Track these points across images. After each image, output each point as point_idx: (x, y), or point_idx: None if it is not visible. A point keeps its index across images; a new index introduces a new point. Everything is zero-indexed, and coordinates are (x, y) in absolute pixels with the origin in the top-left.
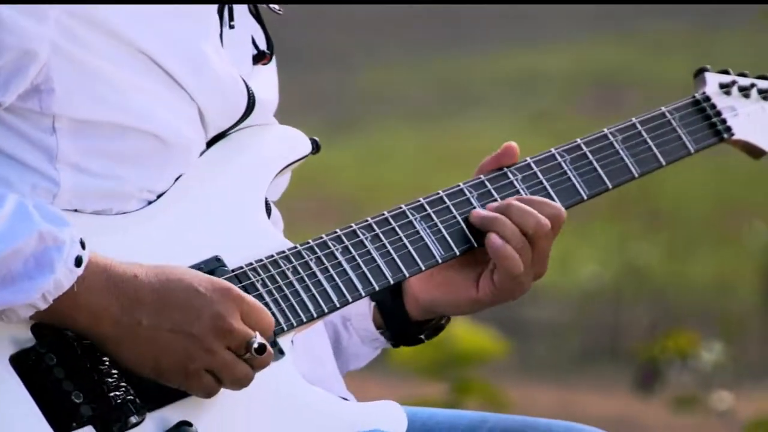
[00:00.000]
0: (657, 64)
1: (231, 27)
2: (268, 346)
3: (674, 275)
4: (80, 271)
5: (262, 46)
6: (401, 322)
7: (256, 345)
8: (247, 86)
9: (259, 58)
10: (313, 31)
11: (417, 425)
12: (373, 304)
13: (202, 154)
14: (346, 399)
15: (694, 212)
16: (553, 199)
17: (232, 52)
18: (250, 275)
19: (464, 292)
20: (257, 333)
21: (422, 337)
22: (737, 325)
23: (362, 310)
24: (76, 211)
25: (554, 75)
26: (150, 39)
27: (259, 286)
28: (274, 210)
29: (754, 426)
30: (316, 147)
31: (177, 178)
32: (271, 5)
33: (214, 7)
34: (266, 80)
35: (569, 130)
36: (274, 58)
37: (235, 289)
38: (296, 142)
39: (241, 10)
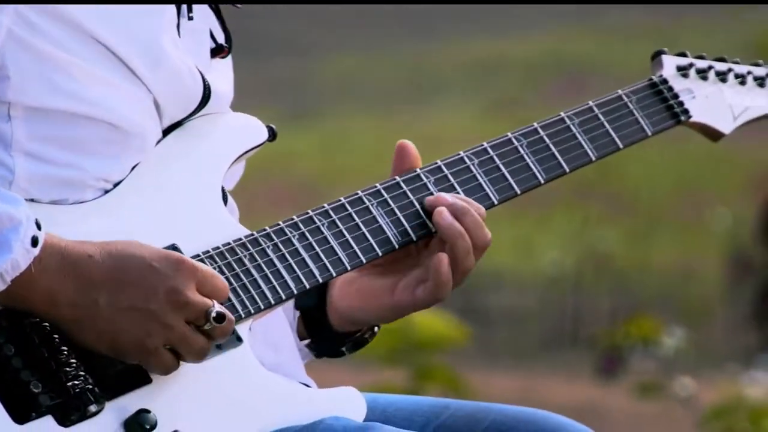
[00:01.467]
0: (621, 52)
1: (190, 18)
2: (227, 313)
3: (636, 260)
4: (36, 251)
5: (221, 39)
6: (324, 333)
7: (214, 314)
8: (203, 77)
9: (217, 51)
10: (274, 19)
11: (377, 412)
12: (297, 314)
13: (158, 143)
14: (306, 385)
15: (656, 196)
16: (511, 185)
17: (189, 45)
18: (207, 263)
19: (382, 299)
20: (214, 302)
21: (343, 350)
22: (700, 311)
23: (289, 321)
24: (32, 201)
25: (518, 62)
26: (106, 28)
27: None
28: (230, 199)
29: (715, 413)
30: (272, 134)
31: (133, 168)
32: None
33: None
34: (223, 73)
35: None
36: (231, 53)
37: (188, 260)
38: (252, 130)
39: (199, 5)
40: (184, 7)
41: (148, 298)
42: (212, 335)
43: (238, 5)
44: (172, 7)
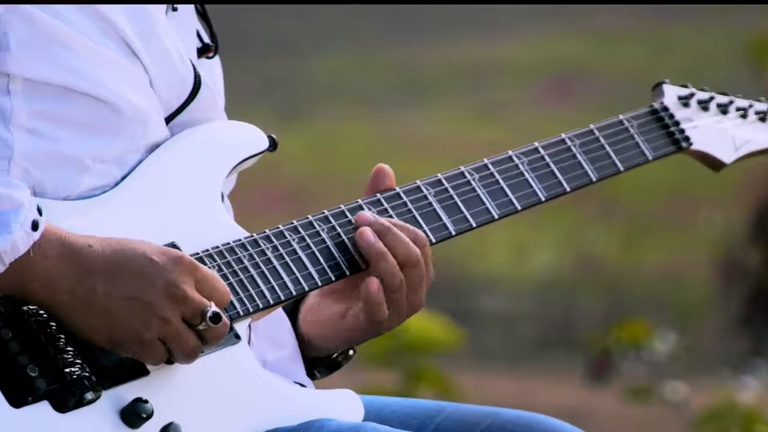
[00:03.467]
0: (609, 55)
1: (174, 9)
2: (224, 316)
3: (628, 265)
4: (36, 235)
5: (207, 39)
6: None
7: (210, 313)
8: (192, 65)
9: (204, 51)
10: (265, 19)
11: (372, 414)
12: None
13: (160, 144)
14: (303, 385)
15: (647, 201)
16: (511, 200)
17: (178, 33)
18: (207, 261)
19: (336, 326)
20: (212, 302)
21: (316, 373)
22: (691, 315)
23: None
24: (33, 193)
25: (507, 65)
26: (108, 6)
27: (215, 272)
28: (226, 201)
29: (707, 417)
30: (273, 144)
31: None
32: None
33: None
34: (211, 73)
35: (521, 120)
36: (218, 58)
37: (188, 257)
38: (253, 138)
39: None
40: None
41: (146, 289)
42: (205, 337)
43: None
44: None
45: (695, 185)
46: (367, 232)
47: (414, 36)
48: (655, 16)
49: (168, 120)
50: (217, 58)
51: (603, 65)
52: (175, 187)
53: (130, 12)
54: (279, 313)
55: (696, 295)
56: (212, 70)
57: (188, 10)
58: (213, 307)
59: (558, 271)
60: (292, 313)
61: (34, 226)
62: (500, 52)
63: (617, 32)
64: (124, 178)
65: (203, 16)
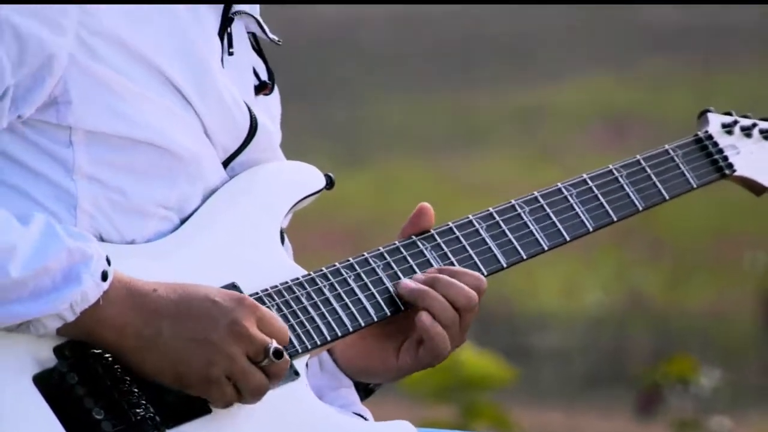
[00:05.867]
0: (657, 100)
1: (230, 53)
2: (285, 352)
3: (675, 303)
4: (106, 285)
5: (264, 77)
6: None
7: (273, 349)
8: (248, 108)
9: (261, 88)
10: (324, 65)
11: None
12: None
13: (220, 187)
14: (362, 416)
15: (694, 242)
16: (560, 231)
17: (233, 77)
18: (266, 301)
19: (387, 362)
20: (273, 340)
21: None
22: (735, 352)
23: None
24: (102, 240)
25: (560, 111)
26: (161, 56)
27: (274, 311)
28: (286, 239)
29: None
30: (330, 182)
31: (196, 198)
32: (271, 36)
33: (215, 32)
34: (269, 111)
35: (574, 164)
36: (276, 91)
37: (249, 298)
38: (311, 177)
39: (240, 40)
40: (226, 41)
41: (211, 329)
42: (269, 373)
43: (279, 42)
44: (217, 40)
45: (739, 227)
46: (404, 282)
47: (471, 82)
48: (702, 62)
49: (226, 162)
50: (275, 92)
51: (652, 110)
52: (234, 228)
53: (185, 63)
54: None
55: (740, 332)
56: (269, 106)
57: (244, 48)
58: (274, 344)
59: (608, 308)
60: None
61: (104, 276)
62: (554, 98)
63: (666, 78)
64: (185, 221)
65: (259, 53)
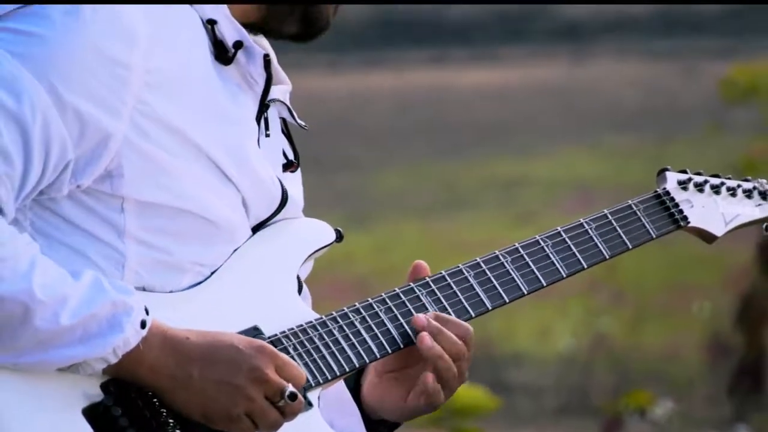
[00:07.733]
0: (620, 171)
1: (267, 135)
2: (299, 395)
3: (634, 345)
4: (144, 332)
5: (291, 156)
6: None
7: (288, 392)
8: (281, 183)
9: (288, 166)
10: (335, 143)
11: None
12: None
13: (247, 240)
14: None
15: (651, 292)
16: (538, 278)
17: (267, 156)
18: (284, 341)
19: (398, 404)
20: (289, 384)
21: (383, 429)
22: (685, 386)
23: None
24: (143, 289)
25: (536, 180)
26: (206, 139)
27: (290, 350)
28: (305, 288)
29: None
30: (339, 236)
31: (227, 257)
32: (299, 122)
33: (253, 116)
34: (294, 184)
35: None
36: (300, 168)
37: (269, 346)
38: (323, 232)
39: (274, 125)
40: (263, 124)
41: (234, 374)
42: (284, 412)
43: (306, 127)
44: (254, 124)
45: (689, 279)
46: (426, 338)
47: (458, 155)
48: (655, 136)
49: (257, 228)
50: (298, 170)
51: (616, 179)
52: (256, 277)
53: (227, 146)
54: (341, 387)
55: (689, 369)
56: (295, 181)
57: (275, 130)
58: (290, 388)
59: (576, 349)
60: (355, 387)
61: (143, 324)
62: (531, 170)
63: (627, 151)
64: (213, 273)
65: (288, 136)
